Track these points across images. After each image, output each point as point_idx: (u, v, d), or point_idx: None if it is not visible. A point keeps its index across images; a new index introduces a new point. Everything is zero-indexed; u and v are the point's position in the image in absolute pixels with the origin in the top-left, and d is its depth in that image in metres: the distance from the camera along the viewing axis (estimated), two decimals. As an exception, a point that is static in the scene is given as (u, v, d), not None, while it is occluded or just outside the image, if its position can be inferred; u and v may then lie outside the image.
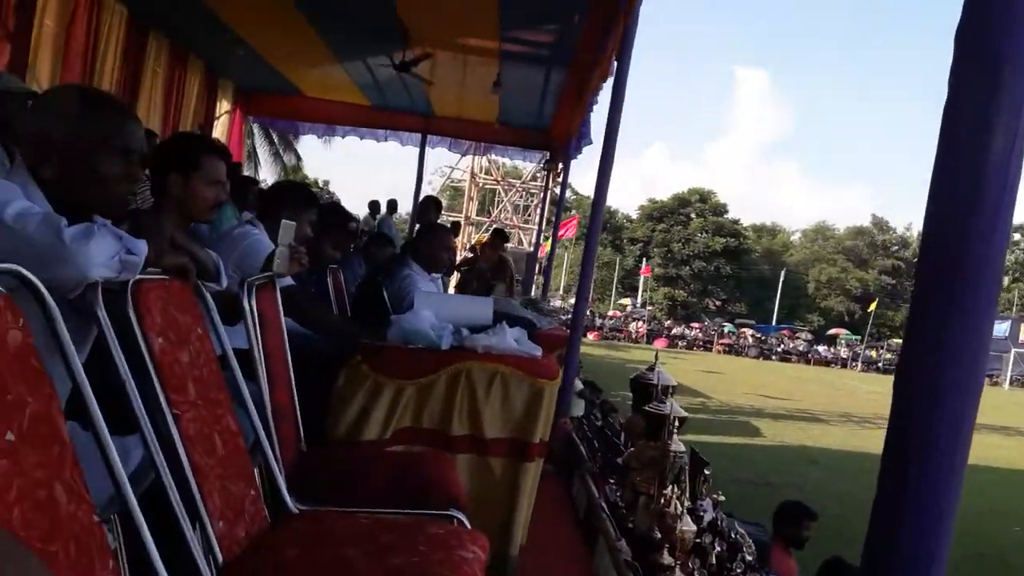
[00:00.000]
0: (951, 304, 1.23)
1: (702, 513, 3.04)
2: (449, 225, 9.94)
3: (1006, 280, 63.48)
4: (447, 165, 32.68)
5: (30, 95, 3.63)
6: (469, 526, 2.02)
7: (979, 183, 1.21)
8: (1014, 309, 57.30)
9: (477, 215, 32.62)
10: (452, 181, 35.15)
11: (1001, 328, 47.67)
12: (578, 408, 5.11)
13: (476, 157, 26.89)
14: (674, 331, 45.96)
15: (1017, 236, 64.12)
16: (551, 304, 9.43)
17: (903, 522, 1.27)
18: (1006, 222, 1.22)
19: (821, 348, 46.97)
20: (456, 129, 11.98)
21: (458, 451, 2.74)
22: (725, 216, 59.28)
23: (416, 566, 1.57)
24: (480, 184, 32.68)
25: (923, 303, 1.30)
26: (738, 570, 2.54)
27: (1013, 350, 44.66)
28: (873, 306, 48.37)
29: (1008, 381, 43.62)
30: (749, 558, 2.69)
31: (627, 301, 55.43)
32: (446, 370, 2.80)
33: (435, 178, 32.18)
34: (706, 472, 3.41)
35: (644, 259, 56.92)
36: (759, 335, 47.13)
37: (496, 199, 34.21)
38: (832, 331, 52.13)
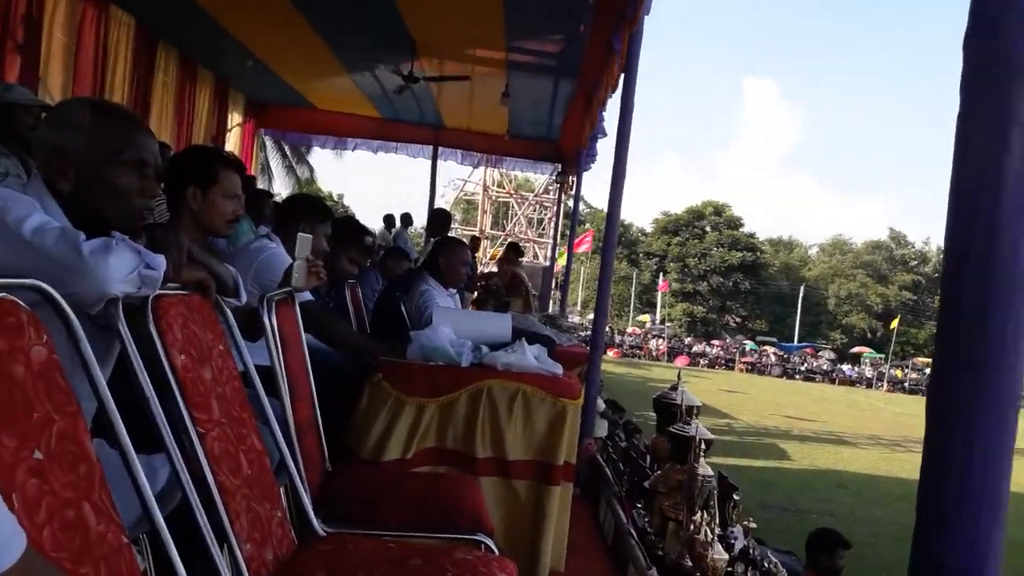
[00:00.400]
0: (978, 323, 1.19)
1: (733, 540, 2.96)
2: (468, 240, 9.94)
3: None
4: (459, 178, 32.78)
5: (44, 108, 3.66)
6: (496, 551, 1.99)
7: (998, 196, 1.17)
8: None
9: (491, 228, 32.59)
10: (465, 194, 35.18)
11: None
12: (601, 429, 5.04)
13: (488, 170, 26.89)
14: (695, 348, 45.67)
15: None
16: (569, 320, 9.36)
17: (945, 554, 1.22)
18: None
19: (845, 367, 46.39)
20: (466, 141, 12.01)
21: (482, 474, 2.71)
22: (740, 230, 58.98)
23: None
24: (493, 197, 32.67)
25: (949, 322, 1.26)
26: (768, 597, 2.48)
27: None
28: (895, 323, 47.74)
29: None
30: (782, 586, 2.62)
31: (646, 317, 55.18)
32: (467, 388, 2.77)
33: (448, 191, 32.24)
34: (735, 497, 3.33)
35: (661, 274, 56.71)
36: (781, 353, 46.74)
37: (510, 212, 34.16)
38: (855, 349, 51.52)
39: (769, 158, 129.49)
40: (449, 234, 9.13)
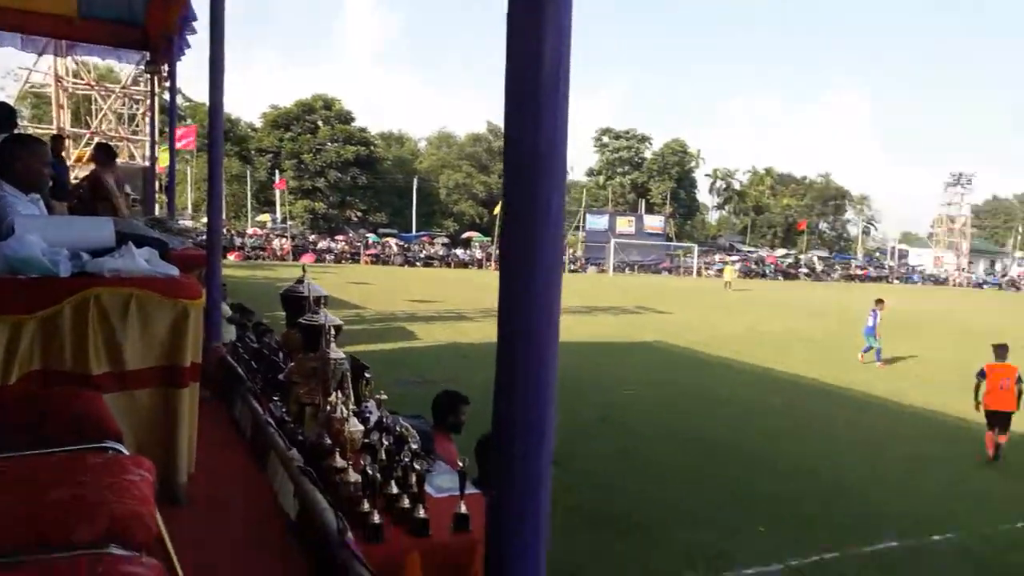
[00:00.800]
0: (528, 200, 1.41)
1: (368, 415, 3.14)
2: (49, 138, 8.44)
3: (602, 178, 73.44)
4: (23, 67, 27.38)
5: None
6: (128, 454, 1.85)
7: (537, 87, 1.36)
8: (609, 204, 66.75)
9: (73, 126, 27.77)
10: (32, 86, 29.60)
11: (601, 222, 55.41)
12: (229, 334, 4.85)
13: (59, 58, 22.79)
14: (320, 245, 45.61)
15: (606, 139, 74.15)
16: (180, 224, 8.64)
17: (517, 396, 1.45)
18: (564, 133, 1.40)
19: (459, 251, 50.36)
20: (24, 22, 9.95)
21: (104, 391, 2.46)
22: (352, 124, 59.20)
23: (83, 497, 1.43)
24: (70, 90, 27.77)
25: (512, 201, 1.46)
26: (406, 459, 2.67)
27: (612, 240, 52.29)
28: (497, 209, 52.81)
29: (611, 268, 51.08)
30: (415, 447, 2.85)
31: (266, 217, 53.39)
32: (70, 300, 2.45)
33: (9, 82, 26.78)
34: (367, 376, 3.51)
35: (277, 171, 54.93)
36: (402, 243, 48.96)
37: (94, 108, 29.42)
38: (466, 234, 55.98)
39: (371, 53, 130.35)
40: (16, 131, 7.64)
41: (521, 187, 1.43)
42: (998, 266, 71.23)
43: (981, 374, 9.27)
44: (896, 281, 59.93)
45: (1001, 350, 9.51)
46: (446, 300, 23.58)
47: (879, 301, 16.74)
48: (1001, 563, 5.88)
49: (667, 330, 19.28)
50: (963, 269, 63.50)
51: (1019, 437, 9.62)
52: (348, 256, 44.81)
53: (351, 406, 2.88)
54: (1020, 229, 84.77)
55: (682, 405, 10.68)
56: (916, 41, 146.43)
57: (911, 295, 42.38)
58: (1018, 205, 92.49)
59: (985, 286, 60.35)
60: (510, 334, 1.47)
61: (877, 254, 76.45)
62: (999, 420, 8.95)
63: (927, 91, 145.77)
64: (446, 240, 54.13)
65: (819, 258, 65.10)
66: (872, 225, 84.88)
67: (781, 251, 67.44)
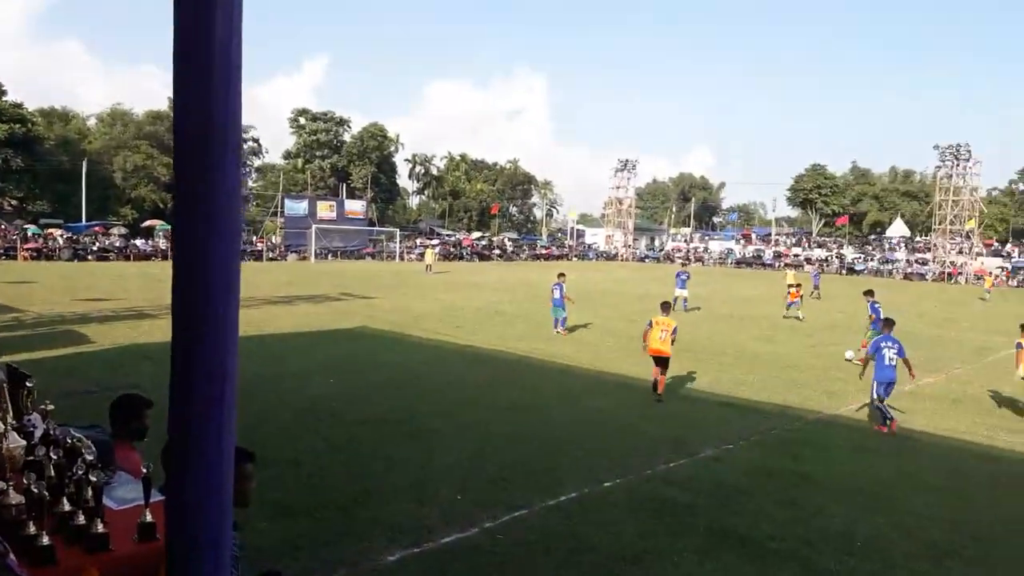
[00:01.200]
0: (205, 182, 1.42)
1: (31, 428, 2.87)
2: None
3: (300, 161, 71.33)
4: None
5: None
6: None
7: (211, 70, 1.39)
8: (309, 189, 65.12)
9: None
10: None
11: (300, 207, 53.87)
12: None
13: None
14: (-42, 240, 38.80)
15: (303, 120, 72.12)
16: None
17: (195, 393, 1.47)
18: (237, 107, 1.44)
19: (139, 242, 45.90)
20: None
21: None
22: (4, 99, 51.01)
23: None
24: None
25: (181, 181, 1.46)
26: (79, 473, 2.51)
27: (313, 226, 51.09)
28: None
29: (313, 255, 49.86)
30: (90, 459, 2.67)
31: None
32: None
33: None
34: (29, 386, 3.18)
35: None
36: (70, 235, 43.45)
37: None
38: (148, 223, 51.25)
39: (26, 15, 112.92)
40: None
41: (193, 165, 1.38)
42: (657, 242, 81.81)
43: (649, 324, 11.39)
44: (575, 258, 66.36)
45: (665, 306, 12.01)
46: (126, 297, 21.46)
47: (561, 275, 18.60)
48: (658, 499, 6.91)
49: (372, 315, 19.49)
50: (629, 246, 71.97)
51: (676, 389, 11.36)
52: (1, 252, 38.75)
53: (10, 420, 2.62)
54: (673, 209, 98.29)
55: (388, 389, 10.93)
56: (591, 40, 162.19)
57: (588, 270, 47.25)
58: (672, 187, 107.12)
59: (647, 260, 69.18)
60: (186, 327, 1.45)
61: (559, 234, 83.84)
62: (661, 362, 11.10)
63: (603, 83, 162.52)
64: (124, 230, 49.07)
65: (510, 240, 69.91)
66: (555, 208, 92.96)
67: (477, 234, 71.19)
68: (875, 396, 9.85)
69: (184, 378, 1.46)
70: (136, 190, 56.87)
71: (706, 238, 77.10)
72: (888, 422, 9.64)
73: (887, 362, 9.80)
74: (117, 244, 43.97)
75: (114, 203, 56.31)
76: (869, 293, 16.54)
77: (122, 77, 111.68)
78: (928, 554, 5.96)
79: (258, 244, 50.38)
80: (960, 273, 53.34)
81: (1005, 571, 5.78)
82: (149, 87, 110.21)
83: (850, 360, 14.65)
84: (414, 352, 14.37)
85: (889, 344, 9.95)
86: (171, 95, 1.44)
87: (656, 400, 10.87)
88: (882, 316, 12.92)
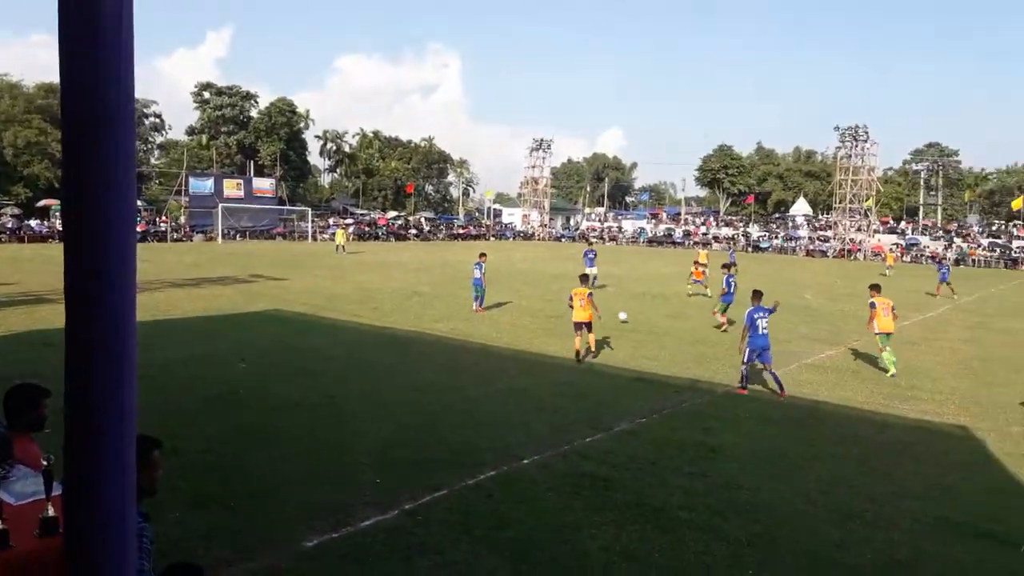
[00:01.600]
0: (95, 157, 1.37)
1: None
2: None
3: (204, 138, 68.69)
4: None
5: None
6: None
7: (97, 50, 1.35)
8: (215, 166, 62.82)
9: None
10: None
11: (206, 185, 51.93)
12: None
13: None
14: None
15: (208, 95, 69.34)
16: None
17: (94, 380, 1.43)
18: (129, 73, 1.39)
19: (34, 223, 43.42)
20: None
21: None
22: None
23: None
24: None
25: (70, 156, 1.40)
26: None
27: (220, 205, 49.32)
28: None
29: (220, 235, 48.17)
30: (-15, 454, 2.54)
31: None
32: None
33: None
34: (-87, 378, 2.98)
35: None
36: (-48, 215, 40.69)
37: None
38: (43, 202, 48.57)
39: None
40: None
41: (82, 140, 1.31)
42: (572, 221, 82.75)
43: (570, 297, 12.65)
44: (493, 238, 66.46)
45: (584, 279, 13.53)
46: (20, 282, 20.31)
47: (482, 255, 18.64)
48: (576, 473, 7.05)
49: (283, 297, 19.05)
50: (545, 225, 72.56)
51: (592, 366, 11.57)
52: None
53: None
54: (587, 189, 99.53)
55: (302, 373, 10.74)
56: (504, 18, 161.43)
57: (505, 249, 47.41)
58: (587, 167, 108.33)
59: (563, 239, 69.91)
60: (78, 309, 1.39)
61: (476, 214, 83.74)
62: (586, 326, 12.48)
63: (518, 62, 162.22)
64: (17, 210, 46.29)
65: (426, 219, 69.37)
66: (471, 187, 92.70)
67: (392, 213, 70.30)
68: (745, 361, 10.78)
69: (80, 362, 1.40)
70: (29, 168, 53.61)
71: (619, 217, 78.40)
72: (779, 392, 10.50)
73: (760, 331, 10.71)
74: (9, 225, 41.45)
75: (4, 181, 53.00)
76: (727, 267, 18.30)
77: (9, 48, 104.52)
78: (832, 518, 6.30)
79: (161, 224, 48.30)
80: (859, 250, 56.03)
81: (902, 529, 6.17)
82: (41, 58, 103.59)
83: (624, 321, 15.52)
84: (329, 335, 14.15)
85: (761, 314, 10.85)
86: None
87: (577, 363, 11.95)
88: (754, 289, 13.50)
